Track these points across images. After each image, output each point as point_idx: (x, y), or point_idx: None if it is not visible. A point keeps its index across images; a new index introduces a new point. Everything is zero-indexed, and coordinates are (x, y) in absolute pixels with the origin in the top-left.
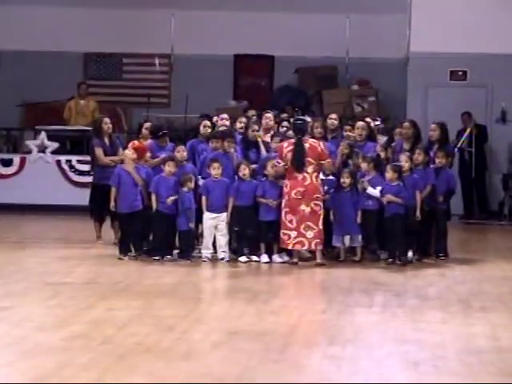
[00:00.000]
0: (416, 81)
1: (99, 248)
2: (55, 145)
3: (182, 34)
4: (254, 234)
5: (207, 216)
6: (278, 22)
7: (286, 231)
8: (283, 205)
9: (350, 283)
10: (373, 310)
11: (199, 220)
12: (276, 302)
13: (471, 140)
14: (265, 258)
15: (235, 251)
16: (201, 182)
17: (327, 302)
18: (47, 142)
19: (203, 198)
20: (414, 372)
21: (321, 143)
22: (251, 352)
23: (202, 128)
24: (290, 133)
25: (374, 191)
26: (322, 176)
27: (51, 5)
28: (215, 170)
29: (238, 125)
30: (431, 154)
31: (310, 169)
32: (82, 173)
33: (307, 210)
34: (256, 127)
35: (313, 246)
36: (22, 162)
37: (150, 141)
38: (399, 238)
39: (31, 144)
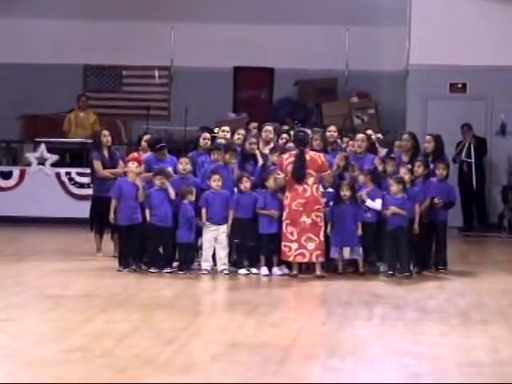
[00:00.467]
0: (415, 93)
1: (98, 260)
2: (55, 157)
3: (182, 47)
4: (254, 246)
5: (207, 228)
6: (278, 34)
7: (287, 243)
8: (284, 217)
9: (349, 295)
10: (372, 323)
11: (199, 233)
12: (275, 314)
13: (470, 152)
14: (264, 270)
15: (235, 264)
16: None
17: (327, 314)
18: (47, 155)
19: (203, 210)
20: None
21: (321, 155)
22: (250, 364)
23: (201, 140)
24: (290, 145)
25: (374, 204)
26: (321, 189)
27: (51, 17)
28: (215, 182)
29: (236, 137)
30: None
31: (310, 180)
32: (81, 185)
33: (308, 221)
34: (254, 140)
35: (314, 258)
36: (22, 174)
37: (149, 153)
38: (403, 250)
39: (31, 156)
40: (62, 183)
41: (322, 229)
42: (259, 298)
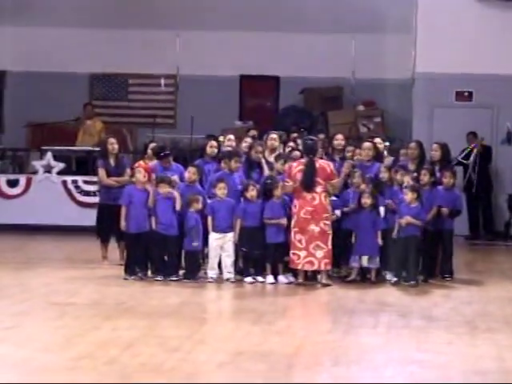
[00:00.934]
0: (422, 101)
1: (104, 268)
2: (61, 165)
3: (188, 55)
4: (261, 254)
5: (213, 236)
6: (284, 42)
7: (295, 251)
8: (292, 225)
9: (354, 304)
10: (378, 331)
11: (205, 241)
12: (281, 322)
13: (475, 159)
14: (270, 278)
15: (241, 272)
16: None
17: (332, 322)
18: (53, 163)
19: (209, 219)
20: None
21: (330, 164)
22: (256, 372)
23: (208, 148)
24: (295, 153)
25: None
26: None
27: (57, 26)
28: (221, 190)
29: (244, 145)
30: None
31: (318, 188)
32: (87, 193)
33: (316, 229)
34: (260, 148)
35: (322, 266)
36: (28, 182)
37: (155, 161)
38: (413, 259)
39: (37, 164)
40: (69, 191)
41: (330, 237)
42: (265, 306)
